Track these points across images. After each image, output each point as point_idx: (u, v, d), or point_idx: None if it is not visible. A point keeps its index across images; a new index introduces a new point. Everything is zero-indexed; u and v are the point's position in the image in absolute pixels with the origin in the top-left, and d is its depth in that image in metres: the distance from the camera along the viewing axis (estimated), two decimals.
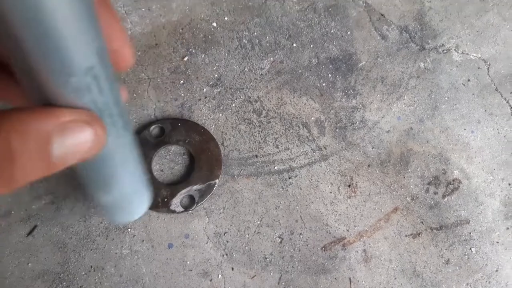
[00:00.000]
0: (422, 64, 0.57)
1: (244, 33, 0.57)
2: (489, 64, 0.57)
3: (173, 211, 0.49)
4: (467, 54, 0.57)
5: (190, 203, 0.50)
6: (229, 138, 0.53)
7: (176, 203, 0.49)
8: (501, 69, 0.57)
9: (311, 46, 0.56)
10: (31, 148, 0.15)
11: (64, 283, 0.47)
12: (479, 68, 0.57)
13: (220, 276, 0.48)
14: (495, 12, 0.60)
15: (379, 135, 0.53)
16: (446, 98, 0.55)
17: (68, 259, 0.48)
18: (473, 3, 0.60)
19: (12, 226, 0.48)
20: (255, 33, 0.57)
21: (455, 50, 0.58)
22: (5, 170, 0.15)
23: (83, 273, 0.47)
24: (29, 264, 0.47)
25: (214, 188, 0.50)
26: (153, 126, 0.52)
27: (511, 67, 0.57)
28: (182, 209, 0.49)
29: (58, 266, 0.47)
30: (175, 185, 0.50)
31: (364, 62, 0.56)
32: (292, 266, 0.49)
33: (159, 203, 0.49)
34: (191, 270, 0.48)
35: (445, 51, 0.57)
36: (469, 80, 0.56)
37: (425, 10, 0.59)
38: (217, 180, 0.50)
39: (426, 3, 0.59)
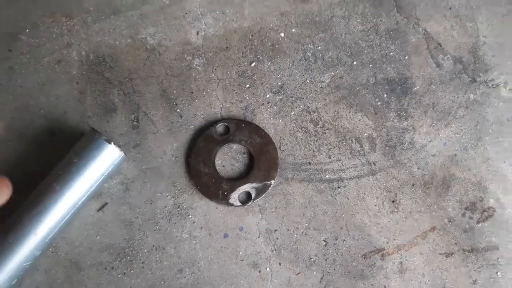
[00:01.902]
0: (471, 96, 0.60)
1: (309, 46, 0.60)
2: None
3: (231, 204, 0.54)
4: None
5: (247, 199, 0.54)
6: (286, 144, 0.57)
7: (234, 197, 0.54)
8: None
9: (370, 65, 0.60)
10: None
11: (128, 257, 0.52)
12: None
13: (268, 269, 0.53)
14: None
15: (425, 158, 0.57)
16: (490, 131, 0.59)
17: (133, 236, 0.53)
18: None
19: None
20: (319, 47, 0.60)
21: (503, 86, 0.61)
22: None
23: (145, 250, 0.52)
24: (97, 237, 0.52)
25: (270, 188, 0.55)
26: (219, 124, 0.56)
27: None
28: (239, 204, 0.54)
29: (123, 242, 0.52)
30: (234, 181, 0.55)
31: (418, 87, 0.60)
32: (334, 269, 0.53)
33: (219, 196, 0.54)
34: (242, 260, 0.53)
35: (494, 86, 0.61)
36: None
37: (480, 44, 0.63)
38: (272, 181, 0.55)
39: (481, 38, 0.63)
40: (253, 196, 0.54)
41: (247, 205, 0.54)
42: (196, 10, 0.60)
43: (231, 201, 0.54)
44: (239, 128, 0.56)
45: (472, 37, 0.63)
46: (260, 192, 0.54)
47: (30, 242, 0.46)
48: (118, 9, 0.60)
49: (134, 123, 0.56)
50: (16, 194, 0.47)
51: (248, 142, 0.56)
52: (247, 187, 0.54)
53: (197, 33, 0.60)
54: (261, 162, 0.55)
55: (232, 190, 0.54)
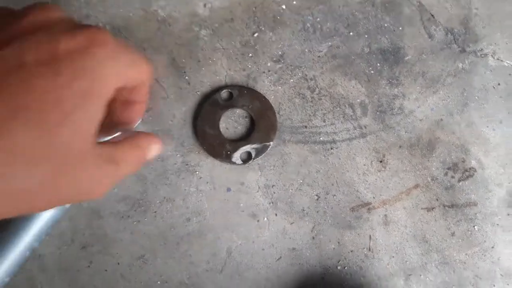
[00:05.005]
0: (460, 65, 0.64)
1: (308, 17, 0.65)
2: None
3: (234, 163, 0.60)
4: (501, 60, 0.65)
5: (248, 158, 0.60)
6: (285, 109, 0.62)
7: (236, 156, 0.60)
8: None
9: (366, 36, 0.64)
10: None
11: (142, 207, 0.59)
12: (509, 74, 0.64)
13: (265, 219, 0.60)
14: None
15: (413, 122, 0.62)
16: (476, 97, 0.64)
17: (147, 189, 0.59)
18: None
19: None
20: (318, 19, 0.65)
21: (491, 55, 0.65)
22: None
23: (157, 201, 0.59)
24: (115, 190, 0.59)
25: (268, 148, 0.60)
26: (224, 90, 0.61)
27: None
28: (241, 162, 0.60)
29: (138, 194, 0.59)
30: (236, 142, 0.61)
31: (409, 56, 0.64)
32: (324, 220, 0.60)
33: (223, 155, 0.60)
34: (243, 211, 0.60)
35: (482, 56, 0.65)
36: (499, 84, 0.64)
37: (472, 15, 0.66)
38: (271, 142, 0.61)
39: (473, 10, 0.66)
40: (253, 155, 0.60)
41: (247, 163, 0.60)
42: None
43: (233, 159, 0.60)
44: (242, 94, 0.61)
45: (464, 9, 0.66)
46: (259, 152, 0.60)
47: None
48: None
49: None
50: None
51: (250, 107, 0.61)
52: (248, 147, 0.60)
53: (204, 5, 0.64)
54: (261, 125, 0.61)
55: (235, 150, 0.60)
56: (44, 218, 0.51)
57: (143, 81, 0.35)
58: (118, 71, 0.29)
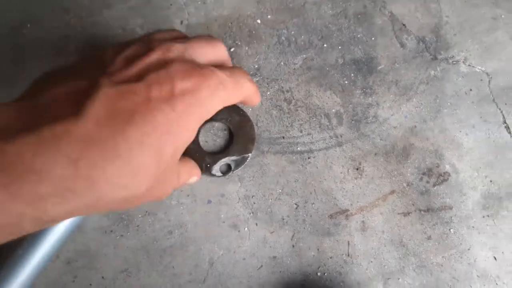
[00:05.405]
0: (432, 72, 0.66)
1: (283, 31, 0.67)
2: (491, 77, 0.66)
3: (214, 175, 0.61)
4: (473, 66, 0.66)
5: (227, 170, 0.62)
6: (263, 121, 0.64)
7: (216, 169, 0.61)
8: (501, 82, 0.66)
9: (339, 47, 0.66)
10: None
11: (125, 221, 0.60)
12: (481, 80, 0.66)
13: (246, 229, 0.61)
14: (504, 31, 0.68)
15: (387, 130, 0.64)
16: (448, 104, 0.65)
17: None
18: (486, 20, 0.68)
19: None
20: (293, 32, 0.67)
21: (463, 62, 0.67)
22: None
23: (139, 216, 0.61)
24: None
25: (247, 160, 0.62)
26: None
27: (509, 81, 0.66)
28: (220, 174, 0.61)
29: None
30: (216, 155, 0.62)
31: (382, 66, 0.66)
32: (304, 228, 0.61)
33: (203, 168, 0.61)
34: (224, 222, 0.61)
35: (454, 62, 0.67)
36: (471, 90, 0.66)
37: (442, 24, 0.68)
38: (250, 154, 0.62)
39: (444, 18, 0.68)
40: (232, 167, 0.61)
41: (227, 175, 0.61)
42: (179, 1, 0.67)
43: (213, 172, 0.61)
44: None
45: (435, 17, 0.68)
46: (239, 164, 0.62)
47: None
48: (110, 3, 0.66)
49: None
50: None
51: (229, 120, 0.63)
52: (227, 160, 0.62)
53: (181, 22, 0.66)
54: (240, 137, 0.62)
55: (214, 162, 0.61)
56: (59, 231, 0.53)
57: (247, 98, 0.43)
58: (216, 106, 0.36)
